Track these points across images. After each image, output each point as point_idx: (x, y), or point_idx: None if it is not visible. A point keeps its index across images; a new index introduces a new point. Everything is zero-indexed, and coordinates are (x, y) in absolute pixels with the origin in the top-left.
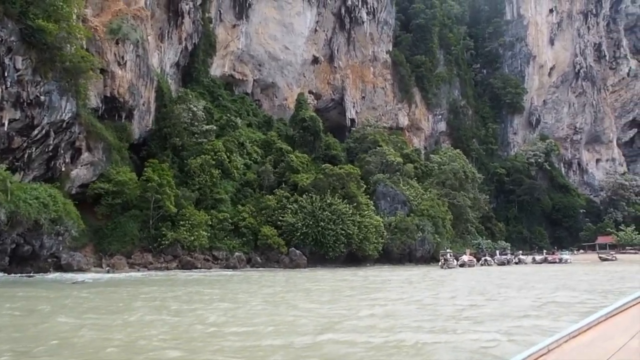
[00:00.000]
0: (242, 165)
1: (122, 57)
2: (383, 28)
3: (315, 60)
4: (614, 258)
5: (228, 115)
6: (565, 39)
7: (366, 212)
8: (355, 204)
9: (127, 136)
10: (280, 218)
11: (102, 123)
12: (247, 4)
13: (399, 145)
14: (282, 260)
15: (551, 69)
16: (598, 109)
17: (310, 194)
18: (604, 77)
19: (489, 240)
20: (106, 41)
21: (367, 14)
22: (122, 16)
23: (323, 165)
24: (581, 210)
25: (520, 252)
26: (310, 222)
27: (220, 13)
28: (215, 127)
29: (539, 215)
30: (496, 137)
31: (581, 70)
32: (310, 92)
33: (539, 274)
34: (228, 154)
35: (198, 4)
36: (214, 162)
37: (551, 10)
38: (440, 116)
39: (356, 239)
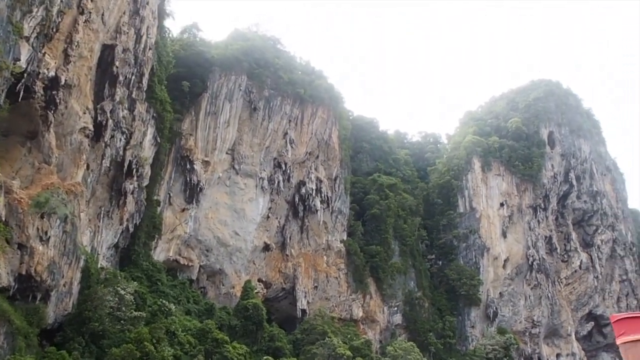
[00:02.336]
0: (171, 357)
1: (46, 233)
2: (337, 217)
3: (266, 248)
4: None
5: (162, 301)
6: (517, 232)
7: None
8: None
9: (39, 320)
10: None
11: (10, 304)
12: (199, 189)
13: (349, 336)
14: None
15: (505, 260)
16: (554, 301)
17: None
18: (557, 270)
19: None
20: (29, 214)
21: (322, 202)
22: (54, 190)
23: (264, 359)
24: None
25: None
26: None
27: (170, 196)
28: (144, 314)
29: None
30: (454, 330)
31: (534, 263)
32: (259, 280)
33: None
34: (155, 343)
35: (144, 184)
36: (138, 353)
37: (502, 204)
38: (395, 308)
39: None
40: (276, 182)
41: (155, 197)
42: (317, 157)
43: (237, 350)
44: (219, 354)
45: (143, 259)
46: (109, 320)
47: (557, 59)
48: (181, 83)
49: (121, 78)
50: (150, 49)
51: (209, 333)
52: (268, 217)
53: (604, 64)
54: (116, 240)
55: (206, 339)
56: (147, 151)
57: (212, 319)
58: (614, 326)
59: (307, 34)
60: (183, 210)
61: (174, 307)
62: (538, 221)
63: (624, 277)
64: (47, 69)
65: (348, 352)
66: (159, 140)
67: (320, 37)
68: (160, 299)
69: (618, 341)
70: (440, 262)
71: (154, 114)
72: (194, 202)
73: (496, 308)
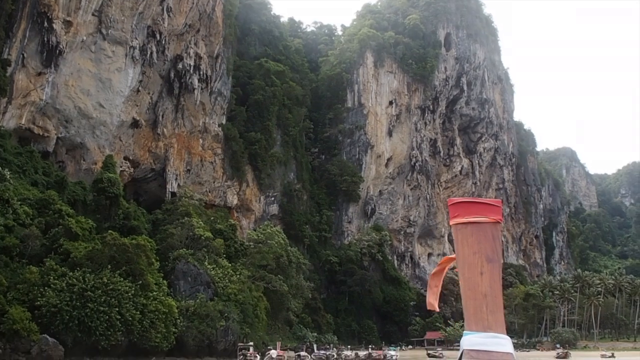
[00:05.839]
0: (2, 227)
1: None
2: (217, 99)
3: (135, 124)
4: (441, 355)
5: None
6: (403, 132)
7: (153, 294)
8: (140, 283)
9: None
10: (39, 297)
11: None
12: (58, 51)
13: (212, 218)
14: (32, 351)
15: (388, 159)
16: (431, 203)
17: (83, 269)
18: (438, 173)
19: (315, 334)
20: None
21: (200, 81)
22: None
23: (105, 234)
24: (411, 304)
25: (349, 347)
26: (78, 304)
27: (24, 57)
28: None
29: (369, 308)
30: (330, 224)
31: (417, 164)
32: (126, 158)
33: None
34: None
35: None
36: None
37: (391, 102)
38: (272, 198)
39: (138, 325)
40: (149, 52)
41: (4, 56)
42: (198, 31)
43: (81, 225)
44: (61, 227)
45: None
46: None
47: None
48: None
49: None
50: None
51: (51, 205)
52: (138, 90)
53: None
54: None
55: (48, 210)
56: None
57: (64, 192)
58: (449, 209)
59: None
60: (39, 74)
61: (9, 173)
62: (425, 123)
63: (501, 186)
64: None
65: (208, 234)
66: None
67: None
68: None
69: (451, 222)
70: (323, 156)
71: None
72: (52, 66)
73: (374, 205)
